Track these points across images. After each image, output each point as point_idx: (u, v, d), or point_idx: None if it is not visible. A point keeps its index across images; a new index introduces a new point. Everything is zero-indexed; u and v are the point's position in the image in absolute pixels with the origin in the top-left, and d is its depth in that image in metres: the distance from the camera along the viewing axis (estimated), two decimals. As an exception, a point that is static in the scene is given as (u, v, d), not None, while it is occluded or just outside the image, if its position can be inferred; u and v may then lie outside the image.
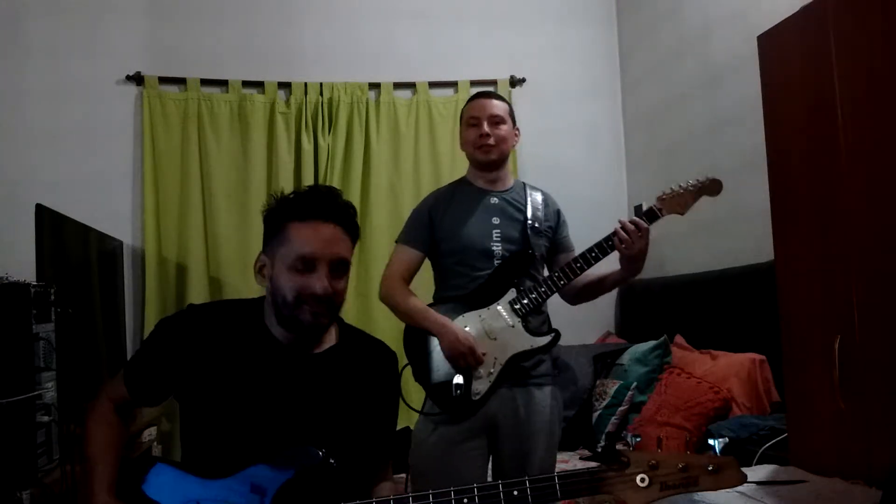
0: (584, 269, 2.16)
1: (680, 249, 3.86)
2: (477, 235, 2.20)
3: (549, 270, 2.27)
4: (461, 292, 2.20)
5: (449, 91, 4.29)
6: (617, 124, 4.54)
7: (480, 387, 2.11)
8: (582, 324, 4.24)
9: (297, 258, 1.40)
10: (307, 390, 1.46)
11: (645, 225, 2.10)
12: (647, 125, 4.29)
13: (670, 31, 3.97)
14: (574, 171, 4.26)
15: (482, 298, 2.18)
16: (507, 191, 2.29)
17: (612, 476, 1.25)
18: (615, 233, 2.11)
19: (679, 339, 3.45)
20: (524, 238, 2.21)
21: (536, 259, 2.23)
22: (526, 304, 2.16)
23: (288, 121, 4.08)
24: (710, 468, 1.23)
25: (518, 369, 2.16)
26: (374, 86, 4.22)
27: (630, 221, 2.10)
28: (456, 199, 2.27)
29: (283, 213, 1.45)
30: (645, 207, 2.13)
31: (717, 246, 3.51)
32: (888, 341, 1.90)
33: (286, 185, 3.99)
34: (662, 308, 3.79)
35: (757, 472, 2.14)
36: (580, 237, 2.38)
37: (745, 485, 1.98)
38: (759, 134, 2.45)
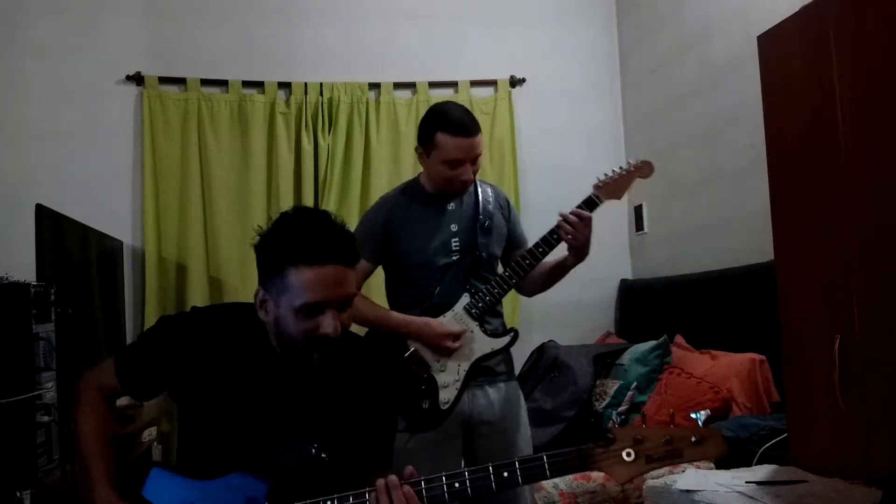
0: (534, 266, 2.14)
1: (680, 249, 3.86)
2: (438, 249, 2.16)
3: (504, 267, 2.25)
4: (416, 302, 2.16)
5: (449, 91, 4.29)
6: (617, 124, 4.54)
7: (447, 395, 2.10)
8: (582, 324, 4.25)
9: (304, 306, 1.36)
10: (303, 396, 1.46)
11: (587, 215, 2.10)
12: (647, 125, 4.29)
13: (670, 31, 3.97)
14: (574, 171, 4.23)
15: (437, 307, 2.15)
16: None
17: (598, 452, 1.28)
18: (559, 226, 2.10)
19: (679, 339, 3.45)
20: (474, 240, 2.19)
21: (484, 260, 2.20)
22: (481, 306, 2.15)
23: (288, 121, 4.08)
24: (693, 440, 1.26)
25: (481, 369, 2.16)
26: (374, 86, 4.21)
27: (572, 213, 2.10)
28: (412, 210, 2.18)
29: (280, 255, 1.38)
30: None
31: (717, 246, 3.51)
32: (888, 341, 1.90)
33: (286, 185, 4.00)
34: (662, 308, 3.79)
35: (757, 472, 2.14)
36: (521, 225, 2.38)
37: (746, 485, 1.99)
38: (759, 134, 2.45)
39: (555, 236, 2.12)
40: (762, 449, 2.38)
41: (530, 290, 2.35)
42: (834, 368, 2.03)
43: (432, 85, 4.27)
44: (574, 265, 2.20)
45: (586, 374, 3.49)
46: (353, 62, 4.21)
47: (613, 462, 1.27)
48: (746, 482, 2.01)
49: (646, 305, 3.99)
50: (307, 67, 4.16)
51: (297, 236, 1.38)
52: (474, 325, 2.15)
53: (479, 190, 2.25)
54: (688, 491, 2.08)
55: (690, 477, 2.20)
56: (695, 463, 2.65)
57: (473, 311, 2.14)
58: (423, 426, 2.09)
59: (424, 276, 2.17)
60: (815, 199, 2.17)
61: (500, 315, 2.27)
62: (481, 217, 2.20)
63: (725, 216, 3.37)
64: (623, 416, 3.25)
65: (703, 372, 3.03)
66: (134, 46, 4.03)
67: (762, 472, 2.14)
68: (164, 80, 4.01)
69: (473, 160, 2.10)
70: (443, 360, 2.12)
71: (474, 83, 4.29)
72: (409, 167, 4.18)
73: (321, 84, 4.12)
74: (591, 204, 2.13)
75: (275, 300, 1.40)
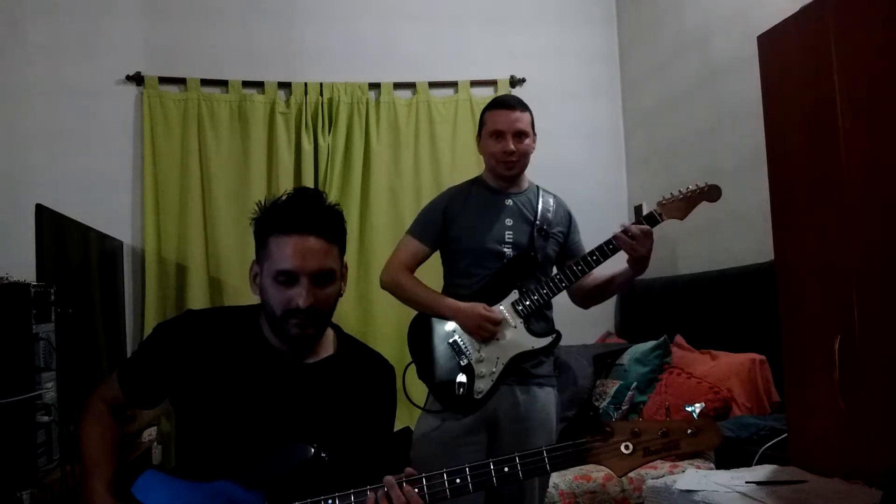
0: (586, 272, 2.19)
1: (680, 249, 3.86)
2: (491, 237, 2.23)
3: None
4: (466, 291, 2.23)
5: (449, 91, 4.29)
6: (617, 124, 4.54)
7: (483, 385, 2.15)
8: (582, 324, 4.23)
9: (279, 273, 1.40)
10: (300, 399, 1.45)
11: (648, 229, 2.12)
12: (647, 125, 4.29)
13: (670, 31, 3.97)
14: (574, 171, 4.25)
15: (486, 298, 2.20)
16: (521, 193, 2.32)
17: (597, 446, 1.30)
18: (616, 237, 2.13)
19: (679, 339, 3.46)
20: (531, 241, 2.24)
21: (539, 262, 2.24)
22: (528, 305, 2.19)
23: (288, 121, 4.08)
24: (689, 431, 1.28)
25: (519, 369, 2.19)
26: (374, 86, 4.21)
27: (635, 226, 2.12)
28: (472, 199, 2.30)
29: (265, 225, 1.44)
30: (645, 210, 2.16)
31: (717, 246, 3.51)
32: (888, 341, 1.90)
33: (286, 185, 3.99)
34: (662, 308, 3.79)
35: (757, 472, 2.14)
36: (581, 237, 2.39)
37: (746, 485, 1.99)
38: (759, 134, 2.45)
39: (610, 246, 2.15)
40: (762, 449, 2.38)
41: (585, 300, 2.37)
42: (834, 368, 2.03)
43: (432, 85, 4.27)
44: (633, 278, 2.23)
45: (586, 374, 3.49)
46: (353, 62, 4.21)
47: (612, 455, 1.29)
48: (746, 482, 2.01)
49: (646, 305, 3.99)
50: (307, 67, 4.16)
51: (281, 207, 1.44)
52: (519, 322, 2.19)
53: (541, 196, 2.32)
54: (688, 491, 2.08)
55: (690, 477, 2.20)
56: (695, 463, 2.65)
57: (520, 308, 2.19)
58: (455, 411, 2.14)
59: (475, 265, 2.24)
60: (815, 199, 2.17)
61: (549, 320, 2.30)
62: (539, 221, 2.26)
63: (725, 216, 3.37)
64: (623, 417, 3.25)
65: (703, 372, 3.03)
66: (134, 46, 4.03)
67: (762, 472, 2.14)
68: (164, 80, 4.01)
69: (516, 133, 2.22)
70: (483, 350, 2.16)
71: (474, 83, 4.29)
72: (410, 167, 4.19)
73: (321, 84, 4.12)
74: (651, 220, 2.15)
75: (260, 271, 1.45)
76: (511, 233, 2.24)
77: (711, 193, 2.15)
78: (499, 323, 2.16)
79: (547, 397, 2.25)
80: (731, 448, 2.48)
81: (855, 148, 2.00)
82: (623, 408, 3.26)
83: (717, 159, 3.52)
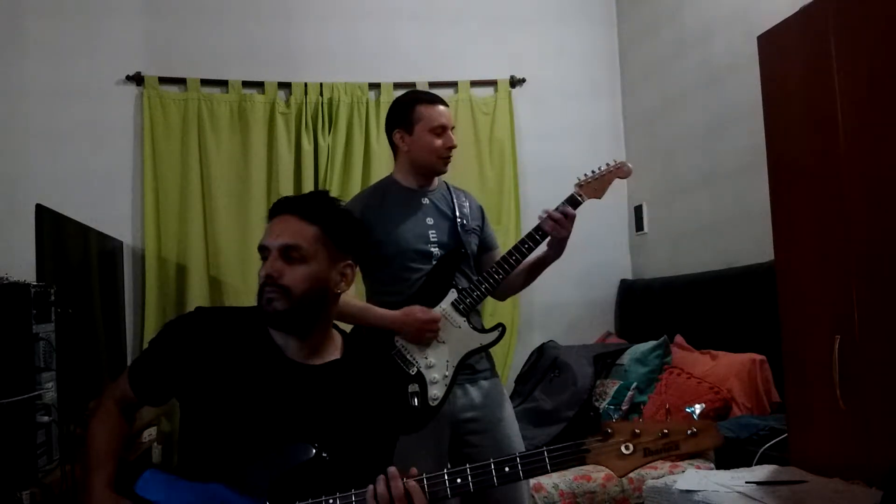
0: (520, 262, 2.19)
1: (680, 249, 3.86)
2: (414, 237, 2.18)
3: (476, 269, 2.28)
4: (400, 298, 2.15)
5: (449, 91, 4.29)
6: (617, 124, 4.54)
7: (437, 391, 2.10)
8: (582, 324, 4.24)
9: (259, 250, 1.49)
10: (305, 402, 1.46)
11: (573, 212, 2.17)
12: (647, 125, 4.29)
13: (670, 31, 3.97)
14: (574, 171, 4.20)
15: (424, 301, 2.14)
16: (434, 190, 2.28)
17: (597, 446, 1.30)
18: (543, 221, 2.16)
19: (679, 339, 3.46)
20: (456, 237, 2.21)
21: (468, 257, 2.23)
22: (469, 302, 2.15)
23: (288, 121, 4.08)
24: (689, 432, 1.28)
25: (465, 367, 2.17)
26: (374, 86, 4.21)
27: (559, 211, 2.16)
28: (388, 201, 2.22)
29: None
30: (573, 198, 2.21)
31: (717, 246, 3.51)
32: (888, 341, 1.90)
33: (286, 185, 3.99)
34: (662, 308, 3.79)
35: (757, 472, 2.14)
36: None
37: (746, 485, 1.99)
38: (759, 134, 2.45)
39: (539, 233, 2.16)
40: (762, 449, 2.38)
41: (506, 291, 2.35)
42: (834, 368, 2.03)
43: (432, 85, 4.26)
44: (552, 261, 2.25)
45: (586, 375, 3.49)
46: (353, 62, 4.21)
47: (612, 455, 1.29)
48: (746, 482, 2.01)
49: (646, 305, 3.99)
50: (307, 67, 4.16)
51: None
52: (462, 321, 2.15)
53: (453, 192, 2.31)
54: (688, 491, 2.08)
55: (690, 477, 2.20)
56: (695, 463, 2.65)
57: (461, 306, 2.15)
58: (413, 425, 2.08)
59: (404, 269, 2.18)
60: (815, 199, 2.17)
61: (480, 314, 2.29)
62: (459, 217, 2.24)
63: (725, 216, 3.37)
64: (623, 417, 3.26)
65: (703, 372, 3.03)
66: (134, 46, 4.02)
67: (762, 472, 2.14)
68: (164, 80, 4.01)
69: (452, 129, 2.24)
70: (430, 355, 2.11)
71: (474, 83, 4.29)
72: (409, 167, 4.19)
73: (321, 84, 4.12)
74: (574, 202, 2.20)
75: None
76: (434, 231, 2.20)
77: (621, 170, 2.28)
78: (437, 320, 2.10)
79: (495, 388, 2.23)
80: (731, 448, 2.48)
81: (855, 148, 2.00)
82: (623, 408, 3.26)
83: (717, 159, 3.52)
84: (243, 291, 3.79)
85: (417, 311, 2.10)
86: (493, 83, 4.33)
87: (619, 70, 4.56)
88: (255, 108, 4.06)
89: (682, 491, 2.10)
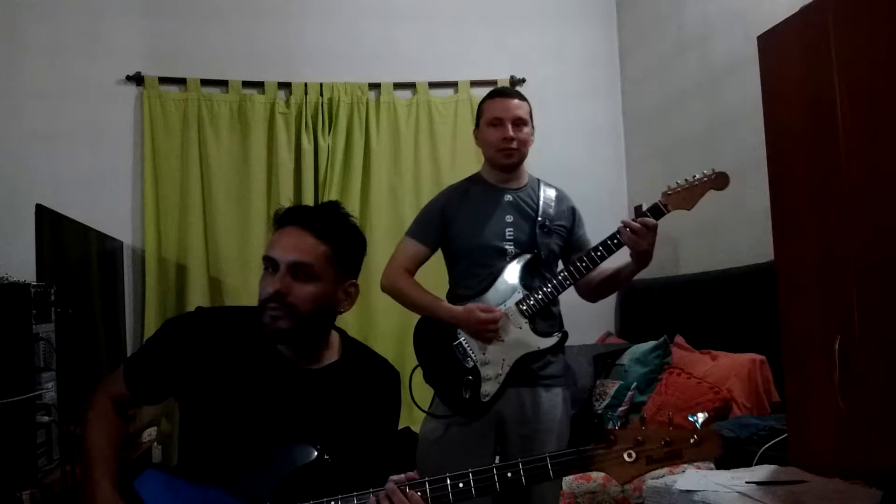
0: (591, 269, 2.14)
1: (680, 249, 3.86)
2: (490, 234, 2.19)
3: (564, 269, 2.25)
4: (470, 292, 2.19)
5: (449, 91, 4.29)
6: (617, 124, 4.54)
7: (489, 388, 2.12)
8: (582, 324, 4.22)
9: (264, 260, 1.44)
10: (304, 405, 1.45)
11: (653, 222, 2.05)
12: (647, 125, 4.29)
13: (670, 31, 3.97)
14: (574, 171, 4.23)
15: (490, 299, 2.17)
16: (521, 188, 2.27)
17: (600, 453, 1.30)
18: (619, 231, 2.08)
19: (679, 339, 3.45)
20: (533, 237, 2.20)
21: (543, 259, 2.20)
22: (533, 304, 2.14)
23: (288, 121, 4.08)
24: (692, 441, 1.28)
25: (526, 371, 2.15)
26: (374, 86, 4.22)
27: (638, 222, 2.05)
28: (470, 196, 2.25)
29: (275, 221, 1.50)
30: (645, 207, 2.12)
31: (717, 246, 3.51)
32: (888, 341, 1.90)
33: (286, 185, 3.99)
34: (662, 308, 3.79)
35: (757, 472, 2.14)
36: (586, 230, 2.36)
37: (745, 485, 1.99)
38: (759, 134, 2.45)
39: (615, 241, 2.10)
40: (762, 449, 2.38)
41: (591, 295, 2.32)
42: (834, 368, 2.03)
43: (432, 85, 4.27)
44: (636, 272, 2.17)
45: (586, 375, 3.49)
46: (353, 62, 4.21)
47: (615, 463, 1.29)
48: (746, 482, 2.01)
49: (646, 305, 3.99)
50: (307, 67, 4.16)
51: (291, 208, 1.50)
52: (523, 322, 2.15)
53: (542, 190, 2.27)
54: (688, 491, 2.07)
55: (690, 477, 2.20)
56: (695, 463, 2.65)
57: (525, 308, 2.14)
58: (461, 415, 2.12)
59: (477, 264, 2.20)
60: (815, 199, 2.17)
61: (556, 317, 2.25)
62: (541, 217, 2.21)
63: (725, 216, 3.37)
64: (623, 417, 3.26)
65: (704, 372, 3.03)
66: (134, 46, 4.03)
67: (762, 472, 2.14)
68: (164, 81, 4.02)
69: (514, 121, 2.19)
70: (487, 352, 2.13)
71: (474, 83, 4.29)
72: (410, 167, 4.19)
73: (321, 84, 4.12)
74: (657, 212, 2.08)
75: None
76: (511, 229, 2.19)
77: (719, 181, 2.06)
78: (497, 321, 2.12)
79: (554, 399, 2.18)
80: (731, 448, 2.47)
81: (855, 148, 2.00)
82: (623, 408, 3.26)
83: (717, 159, 3.49)
84: (243, 291, 3.79)
85: (478, 309, 2.12)
86: (493, 83, 4.30)
87: (619, 70, 4.56)
88: (255, 108, 4.06)
89: (681, 491, 2.10)
